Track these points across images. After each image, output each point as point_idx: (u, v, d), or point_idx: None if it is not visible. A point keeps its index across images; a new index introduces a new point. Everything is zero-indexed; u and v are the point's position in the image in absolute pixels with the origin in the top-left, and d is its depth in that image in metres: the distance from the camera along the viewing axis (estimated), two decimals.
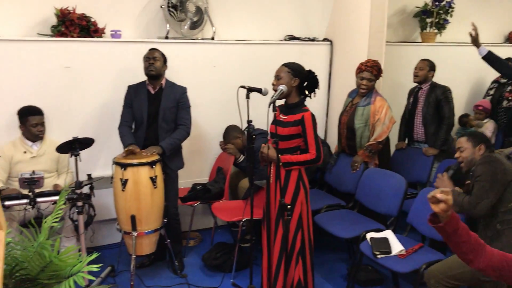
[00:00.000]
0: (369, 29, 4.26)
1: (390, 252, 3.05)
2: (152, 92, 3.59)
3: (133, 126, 3.69)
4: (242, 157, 4.14)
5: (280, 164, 2.90)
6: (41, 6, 3.76)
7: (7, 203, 3.00)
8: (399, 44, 5.22)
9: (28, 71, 3.67)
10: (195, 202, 4.03)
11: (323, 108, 4.94)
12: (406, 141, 4.51)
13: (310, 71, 3.05)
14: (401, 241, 3.13)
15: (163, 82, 3.60)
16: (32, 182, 3.02)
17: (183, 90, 3.64)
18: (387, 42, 4.41)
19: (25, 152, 3.50)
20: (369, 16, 4.24)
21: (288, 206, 2.63)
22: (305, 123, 2.89)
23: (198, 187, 4.07)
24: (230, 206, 3.89)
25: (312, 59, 4.65)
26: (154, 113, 3.56)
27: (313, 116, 2.93)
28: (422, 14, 5.26)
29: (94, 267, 1.80)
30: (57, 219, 2.03)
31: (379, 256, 3.01)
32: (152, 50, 3.58)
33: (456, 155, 2.92)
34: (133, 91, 3.63)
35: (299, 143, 2.95)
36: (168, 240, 3.59)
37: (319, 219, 3.61)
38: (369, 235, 3.21)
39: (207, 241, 4.30)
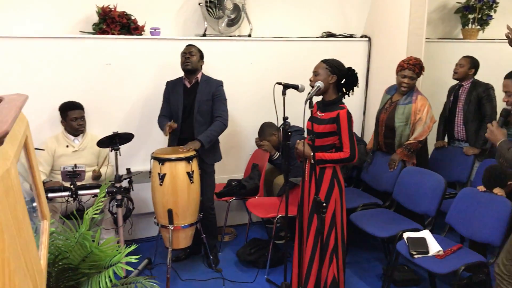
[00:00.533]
0: (408, 26, 4.19)
1: (427, 252, 2.98)
2: (188, 86, 3.65)
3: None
4: (277, 154, 4.15)
5: (313, 161, 2.89)
6: (84, 4, 3.87)
7: (50, 195, 3.10)
8: (439, 40, 5.09)
9: (70, 67, 3.79)
10: (230, 197, 4.07)
11: (361, 105, 4.88)
12: (446, 140, 4.41)
13: (350, 68, 3.02)
14: (439, 242, 3.06)
15: (199, 76, 3.65)
16: (74, 175, 3.12)
17: (218, 83, 3.67)
18: (427, 38, 4.32)
19: (67, 146, 3.62)
20: (408, 12, 4.17)
21: (324, 204, 2.61)
22: (340, 121, 2.85)
23: (233, 183, 4.11)
24: (265, 203, 3.91)
25: (349, 55, 4.60)
26: (189, 106, 3.61)
27: (349, 114, 2.89)
28: (464, 10, 5.11)
29: (133, 258, 1.84)
30: (98, 211, 2.09)
31: (416, 256, 2.96)
32: (189, 45, 3.65)
33: (504, 98, 2.58)
34: (171, 86, 3.71)
35: (334, 141, 2.93)
36: (204, 235, 3.63)
37: (355, 217, 3.58)
38: (405, 235, 3.16)
39: (242, 237, 4.33)
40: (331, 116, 2.89)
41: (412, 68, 3.74)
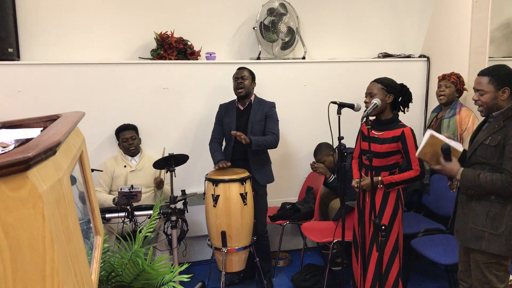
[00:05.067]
0: (470, 44, 4.03)
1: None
2: (241, 108, 3.66)
3: (224, 143, 3.78)
4: (332, 177, 4.04)
5: (379, 186, 2.78)
6: (143, 32, 4.01)
7: (107, 215, 3.16)
8: (504, 59, 4.84)
9: (129, 92, 3.91)
10: (284, 221, 3.98)
11: (420, 126, 4.68)
12: None
13: (402, 85, 2.95)
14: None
15: (252, 98, 3.66)
16: (130, 196, 3.16)
17: (271, 104, 3.66)
18: (490, 57, 4.13)
19: (125, 166, 3.71)
20: (469, 31, 4.02)
21: (383, 227, 2.49)
22: (407, 139, 2.77)
23: (287, 206, 4.02)
24: (320, 227, 3.80)
25: (407, 76, 4.46)
26: (242, 127, 3.61)
27: (413, 131, 2.81)
28: None
29: (185, 278, 1.81)
30: (151, 229, 2.09)
31: None
32: (241, 69, 3.66)
33: (474, 97, 2.41)
34: (224, 109, 3.73)
35: (398, 160, 2.82)
36: (257, 259, 3.56)
37: (416, 243, 3.38)
38: None
39: (297, 262, 4.21)
40: (394, 135, 2.79)
41: (447, 78, 3.77)
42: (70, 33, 3.88)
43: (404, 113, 2.97)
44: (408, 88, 2.94)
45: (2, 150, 1.27)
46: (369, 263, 2.84)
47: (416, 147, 2.77)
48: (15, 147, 1.34)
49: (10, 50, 3.66)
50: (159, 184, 3.73)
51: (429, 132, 2.44)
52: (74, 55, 3.89)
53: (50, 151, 1.03)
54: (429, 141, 2.41)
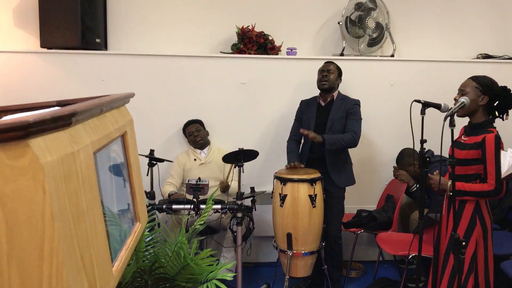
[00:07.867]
0: None
1: None
2: (323, 104, 3.48)
3: (302, 141, 3.62)
4: (416, 186, 3.70)
5: (449, 193, 2.47)
6: (226, 27, 4.01)
7: (174, 206, 3.14)
8: None
9: (208, 85, 3.89)
10: (359, 229, 3.71)
11: None
12: None
13: (504, 88, 2.57)
14: None
15: (335, 94, 3.46)
16: (197, 188, 3.11)
17: (354, 101, 3.44)
18: None
19: (195, 160, 3.71)
20: None
21: (463, 243, 2.18)
22: (486, 146, 2.40)
23: (363, 214, 3.75)
24: (397, 239, 3.48)
25: (510, 80, 3.97)
26: (321, 124, 3.41)
27: (497, 138, 2.42)
28: None
29: (228, 276, 1.69)
30: (202, 221, 1.99)
31: None
32: (327, 62, 3.51)
33: None
34: (305, 105, 3.59)
35: (479, 171, 2.46)
36: (326, 266, 3.35)
37: (507, 266, 2.97)
38: None
39: (370, 274, 3.92)
40: (476, 141, 2.45)
41: None
42: (156, 25, 3.97)
43: (503, 119, 2.59)
44: (511, 92, 2.56)
45: None
46: (442, 279, 2.52)
47: (496, 158, 2.39)
48: None
49: (98, 40, 3.80)
50: (225, 189, 3.63)
51: None
52: (158, 46, 3.97)
53: (60, 121, 0.95)
54: None
